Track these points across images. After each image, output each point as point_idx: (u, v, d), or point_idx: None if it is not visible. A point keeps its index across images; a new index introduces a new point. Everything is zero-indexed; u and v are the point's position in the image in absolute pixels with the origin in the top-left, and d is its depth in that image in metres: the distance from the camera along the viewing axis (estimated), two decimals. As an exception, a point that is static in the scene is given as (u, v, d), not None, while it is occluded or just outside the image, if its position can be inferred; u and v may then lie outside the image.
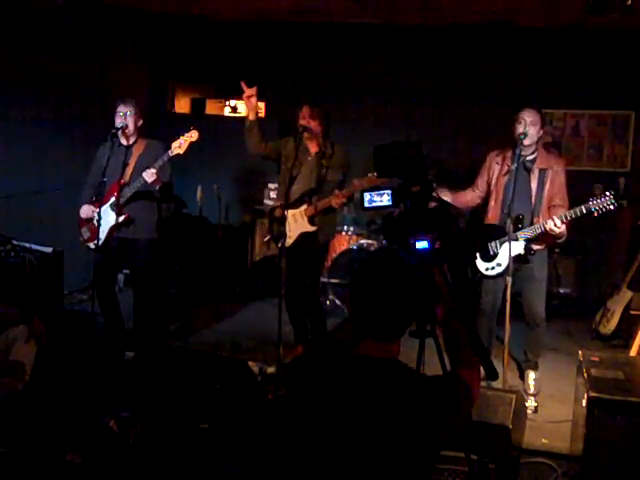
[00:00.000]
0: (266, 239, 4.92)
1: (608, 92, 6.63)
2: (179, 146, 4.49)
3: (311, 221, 4.57)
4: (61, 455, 3.18)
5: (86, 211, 4.74)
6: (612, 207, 3.84)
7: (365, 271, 1.90)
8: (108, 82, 6.57)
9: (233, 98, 7.86)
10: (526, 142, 4.09)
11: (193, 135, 4.51)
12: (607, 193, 3.86)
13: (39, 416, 3.56)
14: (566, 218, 3.96)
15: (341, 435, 1.78)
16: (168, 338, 5.28)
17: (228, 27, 7.02)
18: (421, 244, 2.11)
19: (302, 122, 4.54)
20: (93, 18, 6.17)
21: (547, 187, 4.18)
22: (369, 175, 4.25)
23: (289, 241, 4.57)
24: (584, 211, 3.91)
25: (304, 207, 4.58)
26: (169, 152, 4.50)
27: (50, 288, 5.15)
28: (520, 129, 4.10)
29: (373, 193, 2.23)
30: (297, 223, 4.59)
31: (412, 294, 1.85)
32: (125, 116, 4.62)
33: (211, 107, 7.97)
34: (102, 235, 4.58)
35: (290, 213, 4.54)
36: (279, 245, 4.51)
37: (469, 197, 4.52)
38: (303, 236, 4.59)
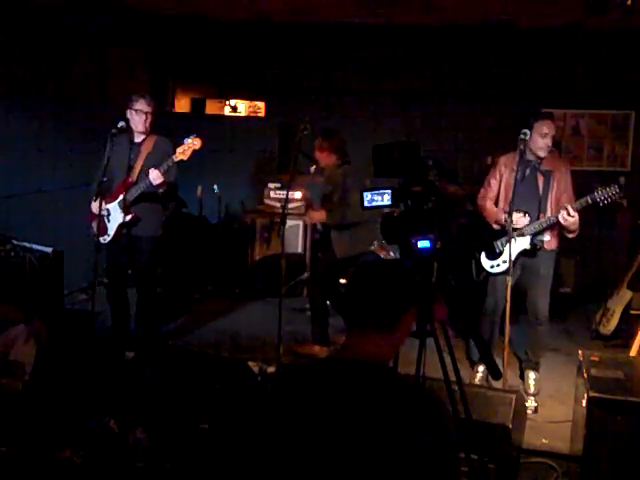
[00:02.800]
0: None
1: (608, 92, 6.63)
2: (182, 152, 4.49)
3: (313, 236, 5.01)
4: (61, 454, 3.18)
5: (97, 207, 4.74)
6: (617, 197, 3.93)
7: (362, 268, 1.91)
8: (108, 82, 6.57)
9: (233, 98, 7.86)
10: (542, 154, 4.19)
11: (197, 143, 4.51)
12: (612, 184, 3.96)
13: (39, 416, 3.56)
14: (575, 209, 4.04)
15: (327, 440, 1.67)
16: (168, 338, 5.27)
17: (228, 27, 7.03)
18: (423, 243, 2.11)
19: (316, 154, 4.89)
20: (93, 18, 6.17)
21: (554, 188, 4.25)
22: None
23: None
24: (589, 201, 4.00)
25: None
26: (173, 157, 4.51)
27: (50, 288, 5.15)
28: (545, 142, 4.15)
29: (373, 193, 2.23)
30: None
31: (400, 285, 1.83)
32: (144, 114, 4.62)
33: (211, 107, 7.97)
34: (111, 232, 4.66)
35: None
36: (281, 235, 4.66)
37: (492, 203, 4.49)
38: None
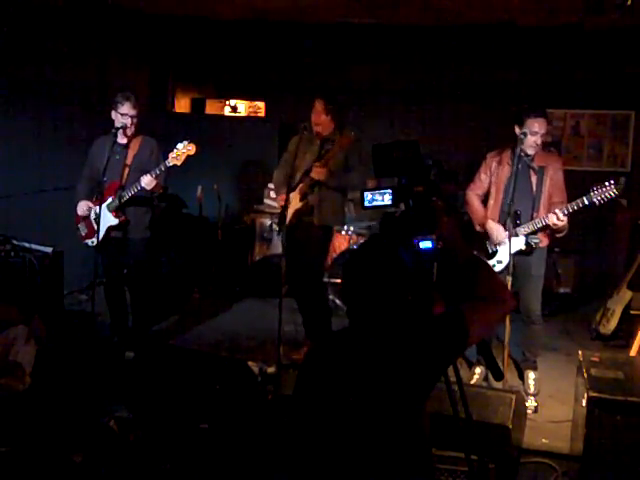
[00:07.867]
0: (274, 226, 4.99)
1: (608, 92, 6.64)
2: (176, 157, 4.46)
3: (302, 198, 4.61)
4: (61, 455, 3.18)
5: (82, 207, 4.74)
6: (614, 195, 3.82)
7: (353, 260, 2.05)
8: (108, 82, 6.57)
9: (233, 98, 7.86)
10: (531, 152, 4.13)
11: (191, 148, 4.48)
12: (608, 182, 3.85)
13: (39, 416, 3.56)
14: (568, 211, 3.96)
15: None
16: (168, 338, 5.27)
17: (228, 27, 7.01)
18: (425, 244, 2.11)
19: (314, 117, 4.63)
20: (93, 18, 6.17)
21: (547, 184, 4.18)
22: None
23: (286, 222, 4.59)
24: (586, 202, 3.90)
25: (300, 186, 4.63)
26: (166, 162, 4.48)
27: (50, 288, 5.15)
28: (534, 140, 4.09)
29: (374, 192, 2.23)
30: (293, 203, 4.62)
31: (397, 277, 1.97)
32: (130, 118, 4.60)
33: (211, 107, 7.97)
34: (100, 234, 4.61)
35: (291, 196, 4.59)
36: (280, 235, 4.55)
37: (479, 201, 4.45)
38: (298, 216, 4.62)
